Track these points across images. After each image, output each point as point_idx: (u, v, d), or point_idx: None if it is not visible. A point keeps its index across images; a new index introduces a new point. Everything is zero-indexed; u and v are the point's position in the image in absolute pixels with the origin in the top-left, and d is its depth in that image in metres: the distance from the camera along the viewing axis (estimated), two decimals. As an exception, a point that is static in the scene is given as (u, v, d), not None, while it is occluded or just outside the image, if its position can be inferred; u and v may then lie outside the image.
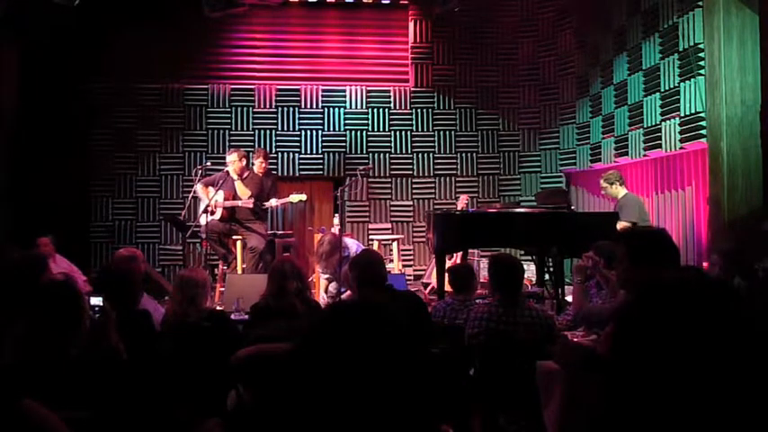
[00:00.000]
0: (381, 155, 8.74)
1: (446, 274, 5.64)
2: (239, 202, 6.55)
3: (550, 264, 6.06)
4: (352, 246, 6.22)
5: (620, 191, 6.29)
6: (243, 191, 6.68)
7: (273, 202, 6.71)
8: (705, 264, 4.68)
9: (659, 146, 6.40)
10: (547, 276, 6.27)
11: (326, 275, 6.13)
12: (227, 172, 6.71)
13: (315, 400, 0.94)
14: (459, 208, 7.56)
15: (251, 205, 6.56)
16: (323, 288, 6.20)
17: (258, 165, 7.02)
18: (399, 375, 0.98)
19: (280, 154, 8.60)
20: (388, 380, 0.96)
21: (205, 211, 6.59)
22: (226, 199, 6.64)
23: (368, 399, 0.94)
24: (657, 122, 6.43)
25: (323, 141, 8.68)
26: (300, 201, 6.83)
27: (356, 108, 8.77)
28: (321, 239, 6.13)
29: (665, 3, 6.32)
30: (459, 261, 6.60)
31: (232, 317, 4.48)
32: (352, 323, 1.02)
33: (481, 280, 6.60)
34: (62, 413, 1.64)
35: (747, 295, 3.96)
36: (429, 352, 3.18)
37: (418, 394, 1.00)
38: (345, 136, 8.72)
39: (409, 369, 1.00)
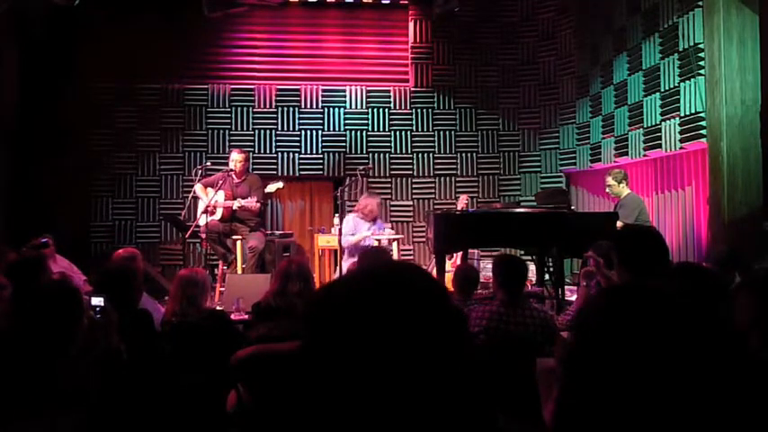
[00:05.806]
0: (381, 155, 8.74)
1: (447, 275, 5.65)
2: (243, 202, 6.53)
3: (550, 264, 6.06)
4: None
5: (624, 190, 6.42)
6: (244, 191, 6.68)
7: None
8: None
9: (659, 146, 6.40)
10: (547, 276, 6.27)
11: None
12: (228, 172, 6.70)
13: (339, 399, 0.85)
14: (459, 208, 7.55)
15: (254, 205, 6.55)
16: None
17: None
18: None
19: (280, 154, 8.60)
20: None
21: (205, 212, 6.59)
22: (227, 199, 6.64)
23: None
24: (657, 122, 6.43)
25: (323, 141, 8.68)
26: (278, 188, 6.98)
27: (356, 108, 8.77)
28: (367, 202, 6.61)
29: (665, 3, 6.32)
30: (459, 261, 6.59)
31: (232, 317, 4.48)
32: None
33: (481, 280, 6.60)
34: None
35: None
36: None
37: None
38: (345, 136, 8.72)
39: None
